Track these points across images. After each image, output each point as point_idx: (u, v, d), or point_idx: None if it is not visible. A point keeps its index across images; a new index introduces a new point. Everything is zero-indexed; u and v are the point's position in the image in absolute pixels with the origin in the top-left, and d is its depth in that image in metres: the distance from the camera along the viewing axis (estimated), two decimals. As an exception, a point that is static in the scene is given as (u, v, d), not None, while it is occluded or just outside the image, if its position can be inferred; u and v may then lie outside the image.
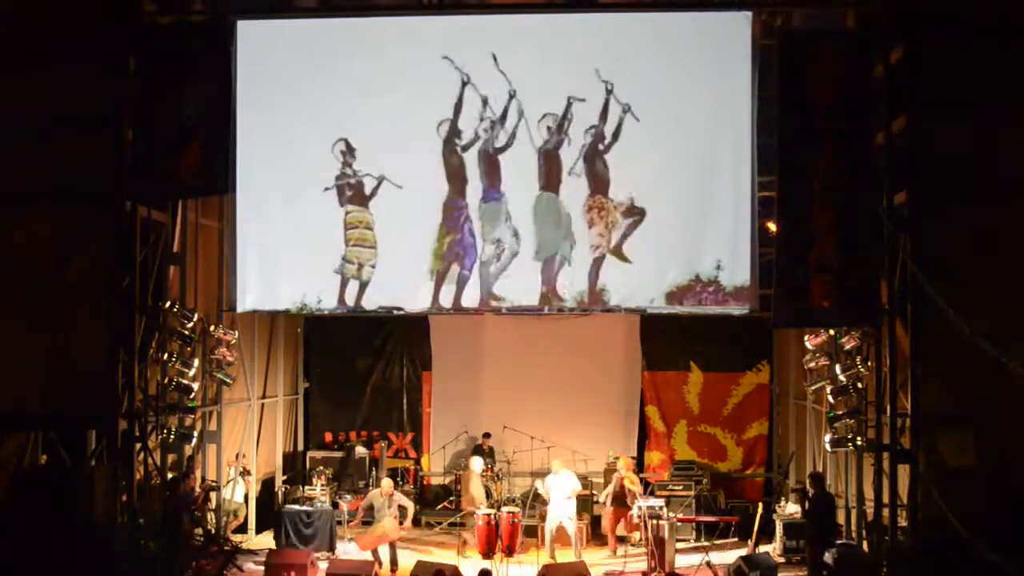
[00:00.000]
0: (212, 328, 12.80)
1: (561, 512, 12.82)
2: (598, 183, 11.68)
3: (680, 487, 14.59)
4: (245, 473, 14.28)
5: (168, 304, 11.88)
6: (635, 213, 11.65)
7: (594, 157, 11.67)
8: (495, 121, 11.72)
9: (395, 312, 12.36)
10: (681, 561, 12.37)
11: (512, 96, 11.64)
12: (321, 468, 14.93)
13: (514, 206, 11.80)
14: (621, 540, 13.60)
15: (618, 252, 11.66)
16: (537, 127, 11.68)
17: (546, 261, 11.80)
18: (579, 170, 11.69)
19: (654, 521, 12.04)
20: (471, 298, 11.93)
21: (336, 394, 17.24)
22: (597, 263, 11.71)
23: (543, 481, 13.29)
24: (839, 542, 11.43)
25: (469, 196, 11.85)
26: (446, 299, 11.96)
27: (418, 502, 15.39)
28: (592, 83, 11.53)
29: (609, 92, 11.52)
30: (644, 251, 11.65)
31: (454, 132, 11.79)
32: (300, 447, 16.85)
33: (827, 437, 11.59)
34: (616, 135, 11.59)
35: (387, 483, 12.84)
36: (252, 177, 11.96)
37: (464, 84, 11.65)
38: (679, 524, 12.89)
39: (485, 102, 11.68)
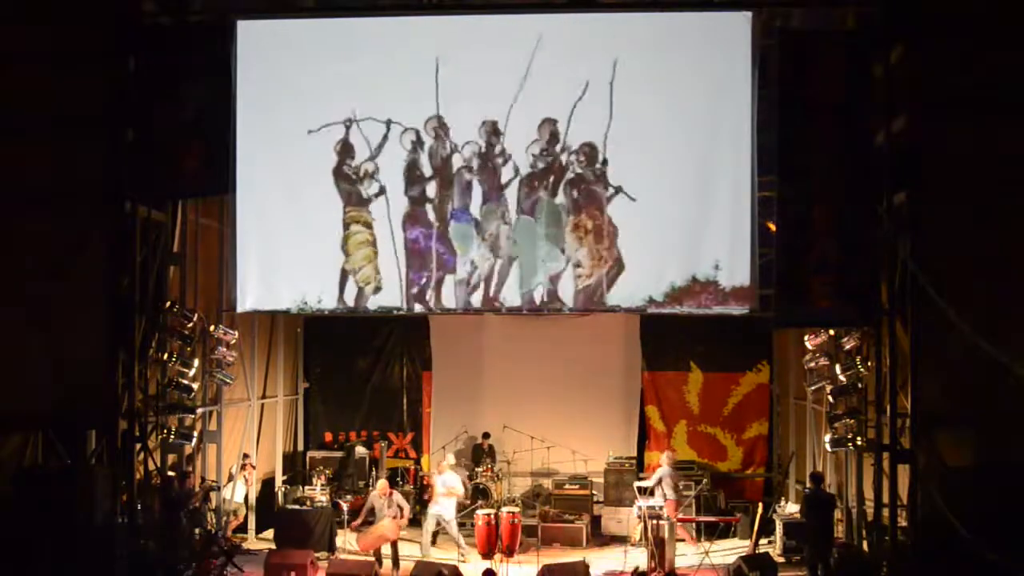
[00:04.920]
0: (212, 328, 12.80)
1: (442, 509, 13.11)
2: (594, 188, 11.66)
3: (680, 487, 14.58)
4: (247, 465, 14.24)
5: (168, 304, 11.89)
6: (630, 212, 11.66)
7: (591, 161, 11.65)
8: (494, 123, 11.72)
9: (395, 312, 12.36)
10: (681, 561, 12.39)
11: (512, 99, 11.64)
12: (321, 468, 14.93)
13: (490, 235, 11.80)
14: (622, 540, 13.64)
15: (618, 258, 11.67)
16: (537, 131, 11.67)
17: (529, 291, 11.79)
18: (571, 178, 11.69)
19: (654, 521, 12.04)
20: (473, 298, 11.94)
21: (336, 394, 17.26)
22: (595, 270, 11.70)
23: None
24: (839, 542, 11.44)
25: (454, 201, 11.87)
26: (447, 299, 11.96)
27: (418, 502, 15.39)
28: (591, 83, 11.52)
29: (609, 94, 11.52)
30: (644, 251, 11.64)
31: (443, 131, 11.80)
32: (300, 447, 16.86)
33: (827, 437, 11.59)
34: (615, 137, 11.57)
35: (381, 484, 12.86)
36: (252, 177, 11.95)
37: (455, 100, 11.67)
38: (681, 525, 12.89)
39: (474, 116, 11.72)
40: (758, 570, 11.00)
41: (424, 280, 11.92)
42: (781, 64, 11.02)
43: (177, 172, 11.53)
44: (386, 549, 12.46)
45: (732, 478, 15.95)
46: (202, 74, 11.50)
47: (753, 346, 15.94)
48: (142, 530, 10.91)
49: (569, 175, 11.72)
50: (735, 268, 11.47)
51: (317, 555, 12.34)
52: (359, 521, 13.07)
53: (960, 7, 10.35)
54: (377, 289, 11.97)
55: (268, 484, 15.31)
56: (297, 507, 13.60)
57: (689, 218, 11.56)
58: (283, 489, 14.98)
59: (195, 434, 12.32)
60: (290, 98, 11.91)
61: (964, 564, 9.03)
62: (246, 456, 14.43)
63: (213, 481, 13.24)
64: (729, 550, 12.95)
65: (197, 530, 12.21)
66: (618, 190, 11.63)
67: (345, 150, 11.92)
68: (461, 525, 13.82)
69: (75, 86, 10.85)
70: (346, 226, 11.97)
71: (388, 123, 11.85)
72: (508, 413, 16.01)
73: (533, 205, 11.79)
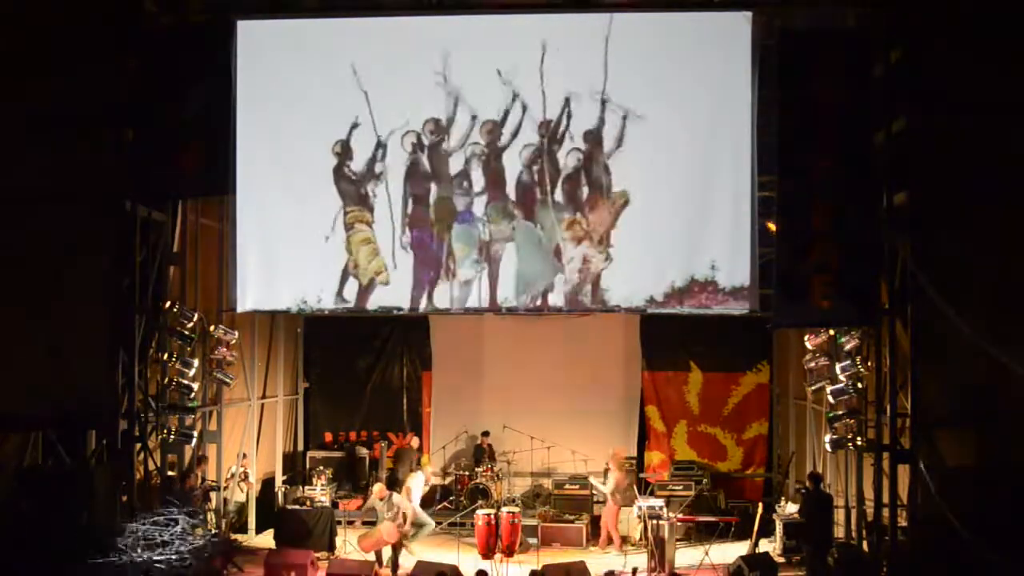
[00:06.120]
0: (212, 328, 12.80)
1: None
2: (594, 188, 11.66)
3: (680, 487, 14.59)
4: (244, 477, 14.24)
5: (168, 304, 11.89)
6: (630, 211, 11.65)
7: (591, 161, 11.65)
8: (495, 124, 11.72)
9: (395, 312, 12.35)
10: (681, 560, 12.38)
11: (512, 100, 11.65)
12: (321, 468, 14.93)
13: (490, 235, 11.82)
14: (622, 540, 13.61)
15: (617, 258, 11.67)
16: (537, 131, 11.67)
17: (529, 291, 11.80)
18: (571, 178, 11.68)
19: (654, 521, 12.03)
20: (473, 298, 11.93)
21: (336, 394, 17.25)
22: (595, 270, 11.70)
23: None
24: (839, 542, 11.43)
25: (456, 201, 11.87)
26: (447, 299, 11.96)
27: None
28: (591, 83, 11.53)
29: (607, 95, 11.52)
30: (644, 251, 11.64)
31: (444, 132, 11.80)
32: (300, 447, 16.86)
33: (827, 437, 11.59)
34: (616, 138, 11.57)
35: (377, 487, 12.86)
36: (252, 177, 11.96)
37: (456, 101, 11.68)
38: (679, 524, 12.87)
39: (475, 117, 11.72)
40: (758, 570, 11.00)
41: (424, 280, 11.92)
42: (781, 64, 11.04)
43: (177, 172, 11.53)
44: (386, 550, 12.46)
45: (732, 478, 15.94)
46: (202, 74, 11.51)
47: (753, 346, 15.93)
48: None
49: (568, 175, 11.72)
50: (735, 268, 11.48)
51: (317, 555, 12.33)
52: (359, 522, 13.06)
53: (960, 7, 10.34)
54: (378, 289, 11.97)
55: (268, 484, 15.31)
56: (297, 507, 13.59)
57: (689, 218, 11.57)
58: (283, 489, 14.98)
59: (195, 434, 12.32)
60: (290, 98, 11.92)
61: (964, 564, 9.03)
62: (244, 456, 14.41)
63: (213, 481, 13.23)
64: (728, 546, 12.95)
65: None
66: (616, 189, 11.63)
67: (345, 150, 11.93)
68: (461, 525, 13.83)
69: (75, 86, 10.84)
70: (347, 226, 11.98)
71: (388, 123, 11.85)
72: (508, 413, 16.01)
73: (533, 206, 11.79)
